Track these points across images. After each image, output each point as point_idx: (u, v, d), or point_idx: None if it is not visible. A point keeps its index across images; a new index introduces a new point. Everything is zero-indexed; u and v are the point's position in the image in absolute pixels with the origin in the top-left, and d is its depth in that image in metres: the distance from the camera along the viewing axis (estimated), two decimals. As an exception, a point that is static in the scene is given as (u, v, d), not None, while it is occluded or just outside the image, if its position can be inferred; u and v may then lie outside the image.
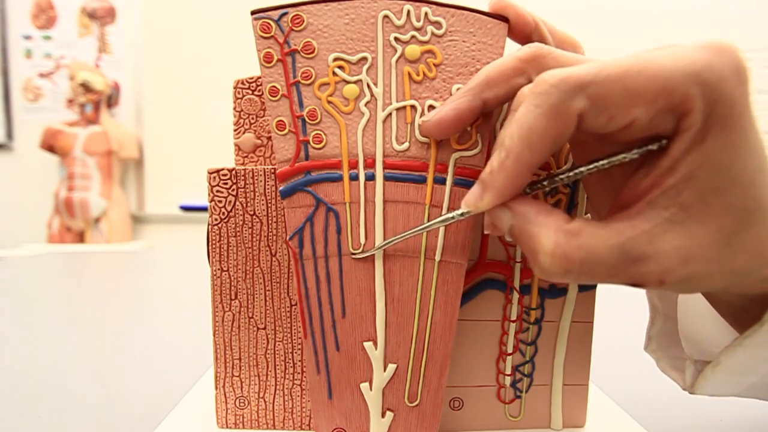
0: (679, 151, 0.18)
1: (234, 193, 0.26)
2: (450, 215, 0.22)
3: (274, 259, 0.27)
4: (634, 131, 0.18)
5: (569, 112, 0.18)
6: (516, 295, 0.27)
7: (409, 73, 0.24)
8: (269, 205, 0.27)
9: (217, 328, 0.27)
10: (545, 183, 0.21)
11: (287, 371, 0.28)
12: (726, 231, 0.17)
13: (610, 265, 0.18)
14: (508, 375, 0.28)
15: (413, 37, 0.24)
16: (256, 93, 0.27)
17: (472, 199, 0.21)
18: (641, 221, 0.18)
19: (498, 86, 0.22)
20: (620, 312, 0.61)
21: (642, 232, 0.18)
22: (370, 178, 0.24)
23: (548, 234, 0.19)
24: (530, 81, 0.21)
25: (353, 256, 0.25)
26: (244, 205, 0.27)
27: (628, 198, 0.19)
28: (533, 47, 0.21)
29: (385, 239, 0.25)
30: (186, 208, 1.97)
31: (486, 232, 0.22)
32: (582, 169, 0.20)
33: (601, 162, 0.20)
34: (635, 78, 0.17)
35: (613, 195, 0.22)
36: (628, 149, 0.19)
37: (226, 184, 0.26)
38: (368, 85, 0.24)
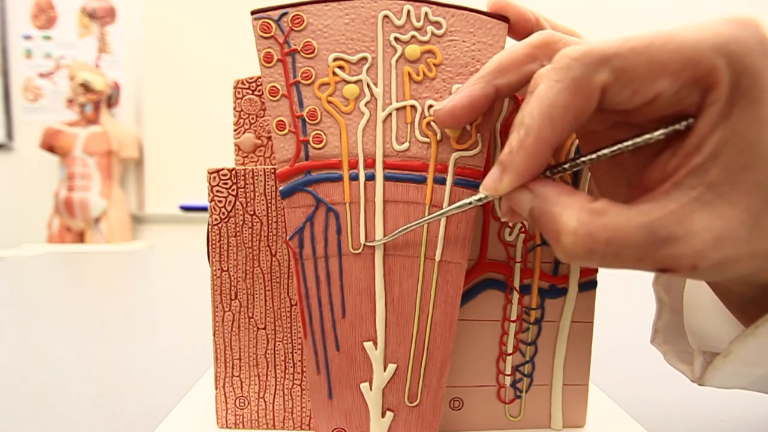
0: (705, 127, 0.17)
1: (234, 193, 0.26)
2: (468, 201, 0.22)
3: (274, 259, 0.27)
4: (658, 107, 0.18)
5: (592, 85, 0.17)
6: (516, 295, 0.27)
7: (409, 73, 0.24)
8: (269, 205, 0.27)
9: (217, 328, 0.27)
10: (566, 166, 0.20)
11: (287, 371, 0.28)
12: (754, 211, 0.17)
13: (637, 247, 0.17)
14: (508, 375, 0.28)
15: (413, 37, 0.24)
16: (256, 93, 0.27)
17: (491, 182, 0.20)
18: (669, 201, 0.17)
19: (511, 73, 0.21)
20: (620, 311, 0.61)
21: (670, 212, 0.17)
22: (370, 178, 0.24)
23: (571, 213, 0.18)
24: (542, 67, 0.20)
25: (367, 244, 0.25)
26: (244, 205, 0.27)
27: (653, 180, 0.19)
28: (545, 33, 0.21)
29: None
30: (186, 208, 1.97)
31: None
32: (606, 150, 0.19)
33: (626, 143, 0.19)
34: (660, 50, 0.17)
35: (624, 186, 0.21)
36: (647, 131, 0.18)
37: (226, 184, 0.26)
38: (368, 85, 0.24)
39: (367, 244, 0.25)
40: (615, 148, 0.19)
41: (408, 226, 0.24)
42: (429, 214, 0.24)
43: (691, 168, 0.17)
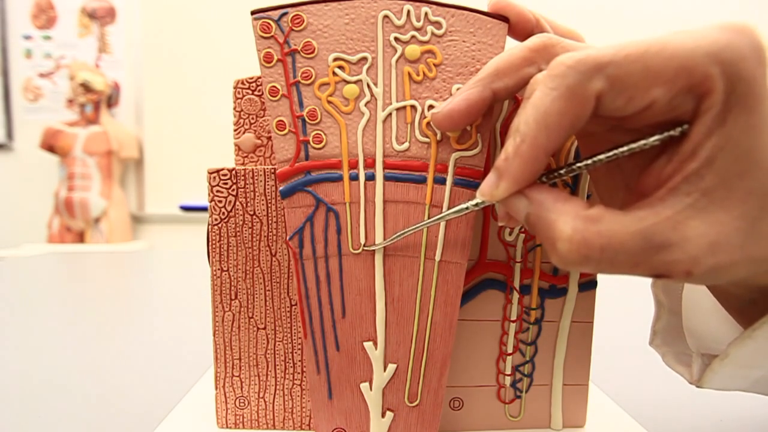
0: (700, 134, 0.17)
1: (234, 193, 0.26)
2: (464, 205, 0.22)
3: (274, 259, 0.27)
4: (653, 114, 0.18)
5: (587, 93, 0.17)
6: (516, 295, 0.27)
7: (409, 73, 0.24)
8: (269, 205, 0.27)
9: (217, 328, 0.27)
10: (562, 172, 0.20)
11: (287, 371, 0.28)
12: (749, 217, 0.17)
13: (632, 253, 0.17)
14: (508, 375, 0.28)
15: (413, 37, 0.24)
16: (256, 93, 0.27)
17: (487, 188, 0.20)
18: (664, 208, 0.17)
19: (508, 76, 0.21)
20: (620, 311, 0.61)
21: (665, 218, 0.17)
22: (370, 178, 0.24)
23: (567, 220, 0.18)
24: (540, 71, 0.20)
25: (366, 249, 0.25)
26: (244, 205, 0.27)
27: (649, 186, 0.19)
28: (542, 37, 0.21)
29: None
30: (186, 208, 1.97)
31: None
32: (601, 156, 0.19)
33: (621, 149, 0.19)
34: (655, 57, 0.17)
35: (622, 189, 0.21)
36: (644, 136, 0.19)
37: (226, 184, 0.26)
38: (368, 85, 0.24)
39: (366, 249, 0.25)
40: (610, 153, 0.19)
41: (406, 231, 0.24)
42: (429, 214, 0.25)
43: (686, 174, 0.17)
